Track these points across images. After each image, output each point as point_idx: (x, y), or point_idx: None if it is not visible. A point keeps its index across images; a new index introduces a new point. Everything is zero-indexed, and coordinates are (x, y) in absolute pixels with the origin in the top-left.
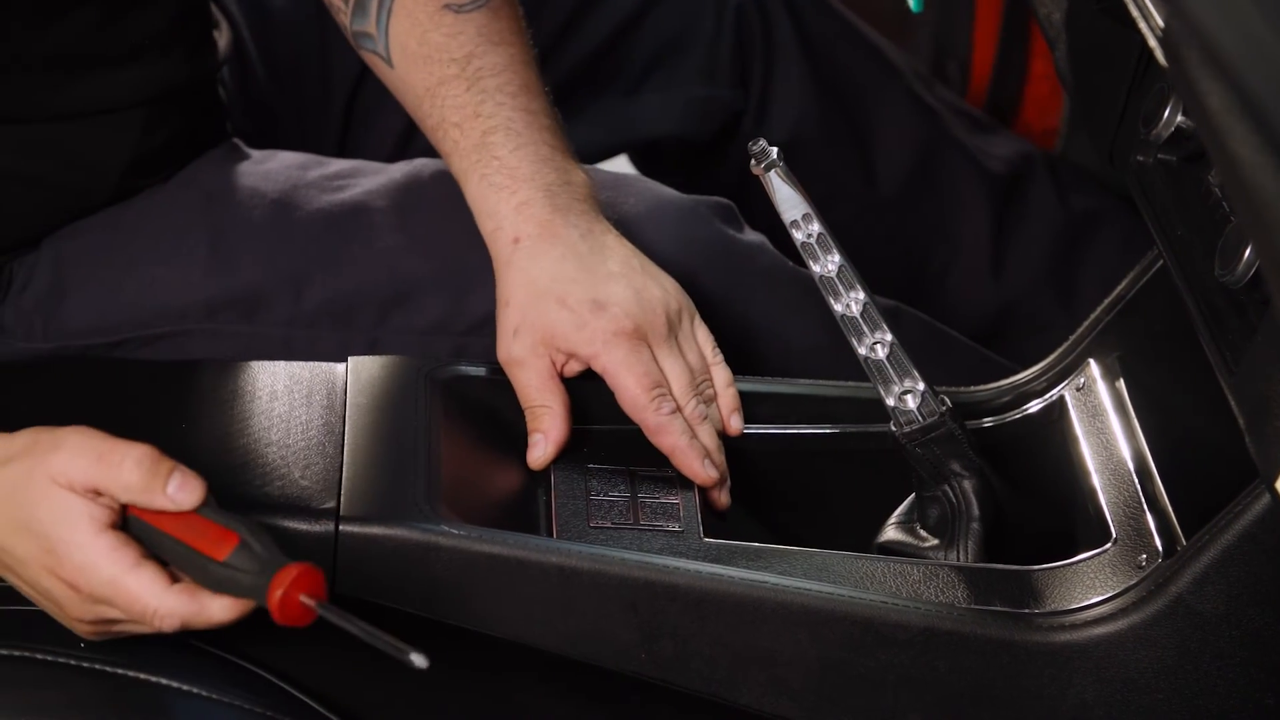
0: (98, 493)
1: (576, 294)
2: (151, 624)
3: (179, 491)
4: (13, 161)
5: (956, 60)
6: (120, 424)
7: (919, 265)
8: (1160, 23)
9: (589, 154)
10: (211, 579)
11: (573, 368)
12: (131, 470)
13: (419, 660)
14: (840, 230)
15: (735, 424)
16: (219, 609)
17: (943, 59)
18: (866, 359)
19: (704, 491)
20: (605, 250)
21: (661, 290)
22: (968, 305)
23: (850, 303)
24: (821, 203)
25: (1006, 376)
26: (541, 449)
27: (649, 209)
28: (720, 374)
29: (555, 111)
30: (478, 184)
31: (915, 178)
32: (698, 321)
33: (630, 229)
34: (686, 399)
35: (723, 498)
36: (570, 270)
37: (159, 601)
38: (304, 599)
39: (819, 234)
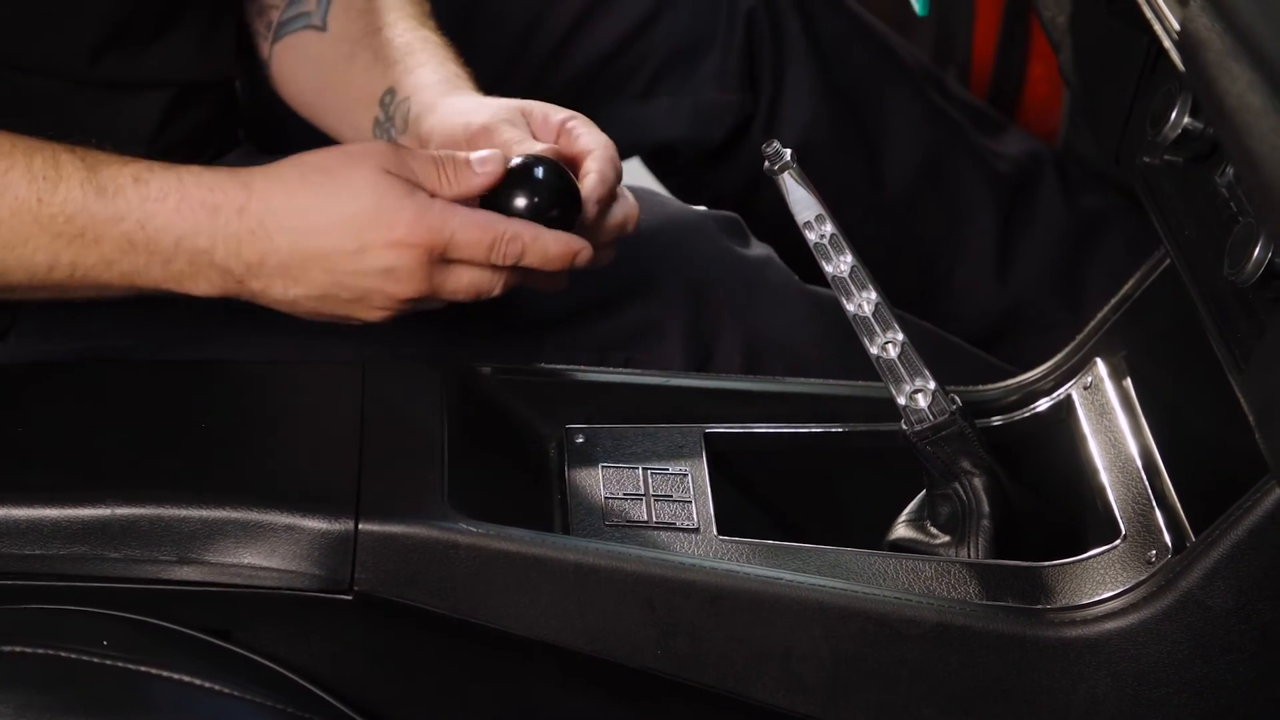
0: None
1: None
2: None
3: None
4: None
5: (956, 65)
6: (139, 422)
7: (925, 267)
8: (1175, 24)
9: None
10: None
11: None
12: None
13: None
14: (848, 232)
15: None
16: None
17: (942, 63)
18: (879, 358)
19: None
20: None
21: None
22: (974, 306)
23: (863, 302)
24: (829, 205)
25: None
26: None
27: (657, 224)
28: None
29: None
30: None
31: (922, 180)
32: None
33: (638, 243)
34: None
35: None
36: None
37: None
38: None
39: (831, 234)
